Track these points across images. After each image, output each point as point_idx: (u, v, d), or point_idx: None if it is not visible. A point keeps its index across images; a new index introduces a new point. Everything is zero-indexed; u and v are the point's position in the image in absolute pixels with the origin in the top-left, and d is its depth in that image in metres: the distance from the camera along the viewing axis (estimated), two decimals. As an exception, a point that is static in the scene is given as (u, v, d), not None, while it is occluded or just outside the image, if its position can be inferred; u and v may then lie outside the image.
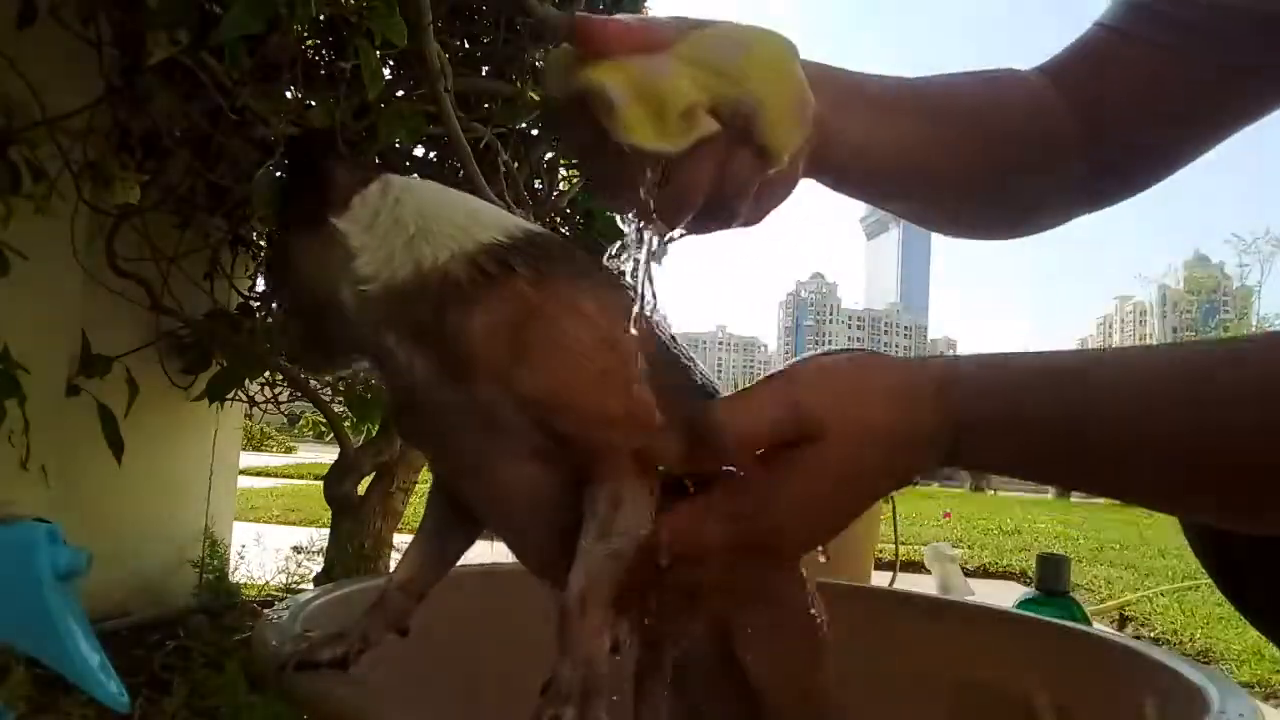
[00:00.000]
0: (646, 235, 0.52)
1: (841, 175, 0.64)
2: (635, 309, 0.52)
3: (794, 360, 0.58)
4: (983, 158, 0.67)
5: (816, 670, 0.65)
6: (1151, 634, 2.67)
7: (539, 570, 0.60)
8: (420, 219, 0.56)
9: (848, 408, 0.51)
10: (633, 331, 0.51)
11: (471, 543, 0.65)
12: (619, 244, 0.54)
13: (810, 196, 0.65)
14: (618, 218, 0.56)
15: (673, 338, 0.59)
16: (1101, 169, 0.70)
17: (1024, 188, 0.70)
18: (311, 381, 1.92)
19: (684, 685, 0.64)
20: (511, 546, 0.61)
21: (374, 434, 1.91)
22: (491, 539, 0.65)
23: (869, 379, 0.53)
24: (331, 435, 1.93)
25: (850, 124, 0.60)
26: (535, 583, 0.64)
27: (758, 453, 0.50)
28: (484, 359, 0.51)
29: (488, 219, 0.57)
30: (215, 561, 1.99)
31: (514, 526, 0.58)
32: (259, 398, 2.13)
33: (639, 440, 0.51)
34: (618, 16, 0.51)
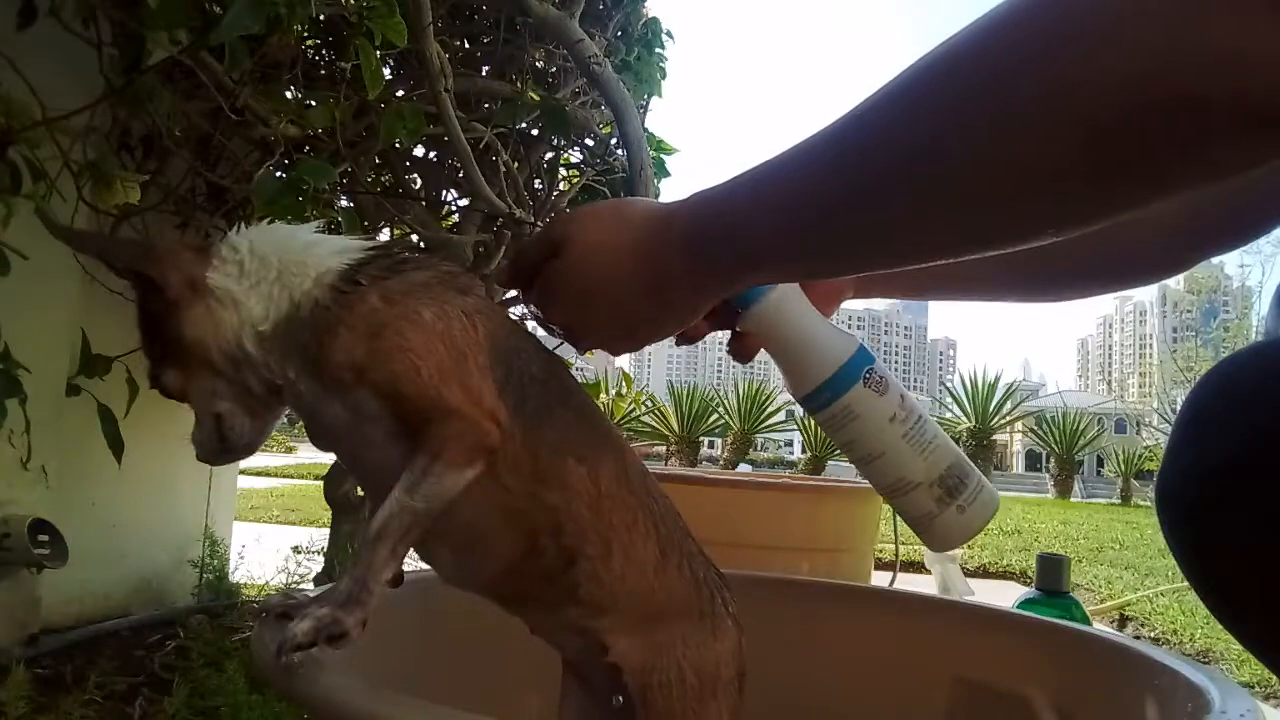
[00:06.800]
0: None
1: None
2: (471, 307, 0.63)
3: None
4: None
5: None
6: (1151, 634, 2.67)
7: None
8: (278, 255, 0.64)
9: (585, 228, 0.64)
10: (472, 331, 0.62)
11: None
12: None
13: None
14: None
15: (527, 328, 0.70)
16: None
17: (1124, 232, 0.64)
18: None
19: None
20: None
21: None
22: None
23: (622, 210, 0.65)
24: (331, 435, 1.93)
25: None
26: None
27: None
28: (350, 369, 0.61)
29: (328, 243, 0.66)
30: (215, 561, 1.99)
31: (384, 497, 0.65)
32: (259, 398, 2.13)
33: (465, 425, 0.60)
34: None
